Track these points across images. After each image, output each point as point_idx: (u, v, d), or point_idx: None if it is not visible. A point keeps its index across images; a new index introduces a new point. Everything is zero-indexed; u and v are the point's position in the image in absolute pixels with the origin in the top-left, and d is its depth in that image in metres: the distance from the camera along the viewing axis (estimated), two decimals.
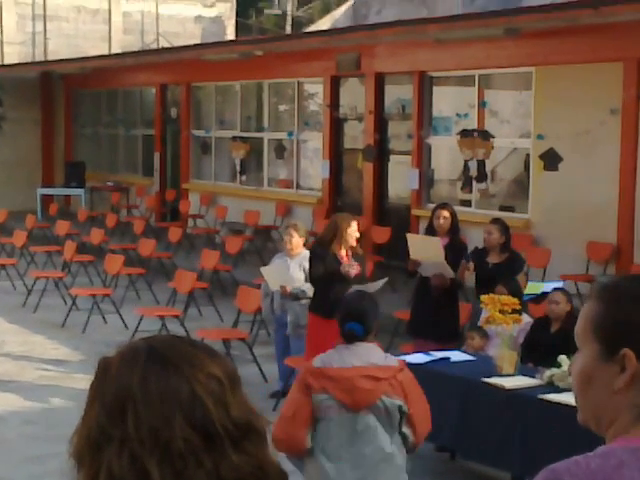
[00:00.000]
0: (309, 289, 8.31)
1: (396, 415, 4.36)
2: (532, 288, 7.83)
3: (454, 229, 8.18)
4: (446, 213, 8.17)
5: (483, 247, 8.29)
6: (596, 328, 1.43)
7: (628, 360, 1.41)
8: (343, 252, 7.71)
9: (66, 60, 21.23)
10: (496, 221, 8.28)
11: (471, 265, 8.03)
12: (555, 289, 7.47)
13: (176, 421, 1.35)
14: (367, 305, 4.58)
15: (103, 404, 1.39)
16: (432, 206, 13.73)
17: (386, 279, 8.03)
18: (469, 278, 8.24)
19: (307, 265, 8.34)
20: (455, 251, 8.03)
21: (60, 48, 23.74)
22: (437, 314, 7.57)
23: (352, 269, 7.56)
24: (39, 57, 23.73)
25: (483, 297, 6.61)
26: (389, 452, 4.37)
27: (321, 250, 7.73)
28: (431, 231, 8.23)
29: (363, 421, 4.33)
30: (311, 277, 7.85)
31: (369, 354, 4.40)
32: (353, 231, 7.70)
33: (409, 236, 8.10)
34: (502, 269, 7.90)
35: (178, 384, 1.38)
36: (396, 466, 4.41)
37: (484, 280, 7.84)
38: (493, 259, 8.10)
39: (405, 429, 4.41)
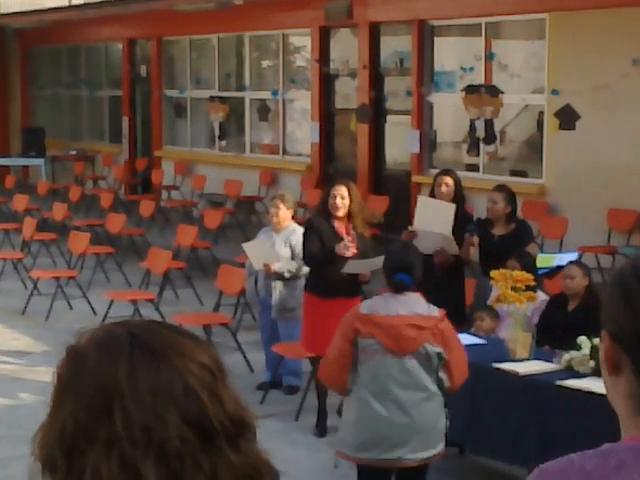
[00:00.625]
0: (297, 267, 8.32)
1: (435, 360, 5.27)
2: (544, 261, 7.86)
3: (458, 198, 8.17)
4: (449, 180, 8.16)
5: (487, 218, 8.31)
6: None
7: (603, 340, 1.44)
8: (340, 225, 7.67)
9: (20, 13, 21.09)
10: (500, 188, 8.29)
11: (475, 239, 8.04)
12: (570, 262, 7.50)
13: (170, 418, 1.35)
14: (413, 256, 5.50)
15: (81, 400, 1.37)
16: (435, 172, 13.83)
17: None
18: (474, 253, 8.26)
19: (295, 240, 8.34)
20: (460, 223, 8.00)
21: None
22: (441, 296, 7.58)
23: (347, 251, 7.54)
24: None
25: (493, 273, 6.63)
26: (432, 391, 5.32)
27: (318, 223, 7.71)
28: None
29: (407, 364, 5.25)
30: (305, 253, 7.82)
31: (413, 304, 5.30)
32: (333, 199, 7.64)
33: (421, 198, 8.07)
34: (509, 241, 7.92)
35: (170, 376, 1.38)
36: (438, 403, 5.37)
37: (490, 254, 7.86)
38: (499, 230, 8.12)
39: (442, 374, 5.31)
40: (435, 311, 5.34)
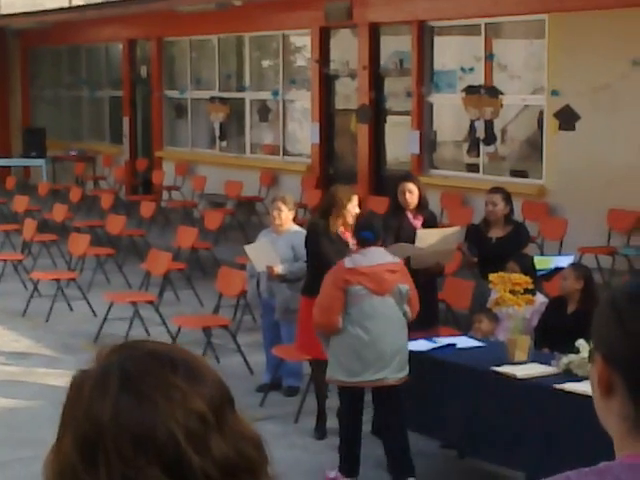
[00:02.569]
0: (300, 269, 8.30)
1: (405, 296, 6.63)
2: (541, 263, 7.86)
3: (423, 204, 8.07)
4: (411, 186, 7.99)
5: (481, 221, 8.33)
6: None
7: (596, 363, 1.44)
8: (342, 229, 7.67)
9: (21, 14, 21.09)
10: (497, 190, 8.29)
11: (474, 259, 8.14)
12: (571, 264, 7.50)
13: (151, 471, 1.32)
14: (375, 219, 7.12)
15: (75, 436, 1.36)
16: (436, 172, 13.88)
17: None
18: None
19: (298, 242, 8.32)
20: (432, 227, 8.10)
21: (14, 0, 23.56)
22: (425, 300, 7.59)
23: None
24: None
25: (492, 276, 6.63)
26: (403, 322, 6.66)
27: (325, 227, 7.67)
28: (397, 208, 8.06)
29: (387, 302, 6.57)
30: (314, 256, 7.73)
31: (383, 255, 6.66)
32: (353, 207, 7.64)
33: (420, 232, 7.82)
34: (507, 244, 7.93)
35: (154, 424, 1.34)
36: (406, 331, 6.72)
37: (487, 257, 7.87)
38: (496, 233, 8.12)
39: (405, 307, 6.65)
40: (397, 259, 6.74)
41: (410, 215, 8.01)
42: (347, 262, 6.60)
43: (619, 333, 1.39)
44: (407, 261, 7.42)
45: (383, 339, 6.53)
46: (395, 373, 6.57)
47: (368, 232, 6.64)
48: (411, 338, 7.01)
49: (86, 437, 1.35)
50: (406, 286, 6.62)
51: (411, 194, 7.94)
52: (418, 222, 8.02)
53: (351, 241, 7.55)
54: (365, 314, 6.53)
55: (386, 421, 6.75)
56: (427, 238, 7.80)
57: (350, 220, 7.55)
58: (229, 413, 1.39)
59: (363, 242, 6.63)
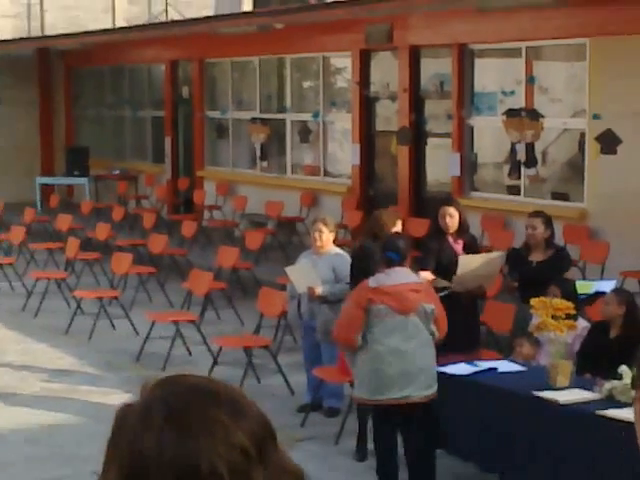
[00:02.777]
0: (341, 291, 8.35)
1: (430, 315, 6.72)
2: (583, 288, 7.85)
3: (464, 227, 8.15)
4: (452, 211, 8.07)
5: (523, 245, 8.33)
6: None
7: (639, 401, 1.46)
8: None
9: (65, 35, 21.35)
10: (538, 214, 8.29)
11: (515, 284, 8.15)
12: (613, 290, 7.48)
13: None
14: (401, 241, 6.98)
15: (120, 471, 1.38)
16: (476, 195, 13.87)
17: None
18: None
19: (338, 264, 8.37)
20: (473, 251, 8.10)
21: (58, 21, 23.88)
22: (466, 323, 7.65)
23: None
24: (35, 32, 23.88)
25: (533, 301, 6.64)
26: (429, 340, 6.75)
27: (373, 250, 7.74)
28: (437, 231, 8.15)
29: (411, 321, 6.66)
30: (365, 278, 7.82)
31: (407, 275, 6.79)
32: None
33: (461, 258, 7.85)
34: (547, 268, 7.92)
35: (197, 457, 1.35)
36: (433, 349, 6.80)
37: (528, 281, 7.87)
38: (537, 257, 8.11)
39: (432, 327, 6.74)
40: (422, 279, 7.03)
41: (451, 239, 8.04)
42: (371, 282, 6.75)
43: None
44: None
45: (406, 357, 6.65)
46: (420, 391, 6.66)
47: (393, 253, 6.79)
48: (452, 362, 7.03)
49: (131, 471, 1.37)
50: (431, 305, 6.73)
51: (452, 218, 7.98)
52: (459, 246, 8.05)
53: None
54: (387, 332, 6.67)
55: (410, 440, 6.83)
56: (469, 263, 7.81)
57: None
58: (271, 447, 1.41)
59: (388, 262, 6.79)
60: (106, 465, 1.42)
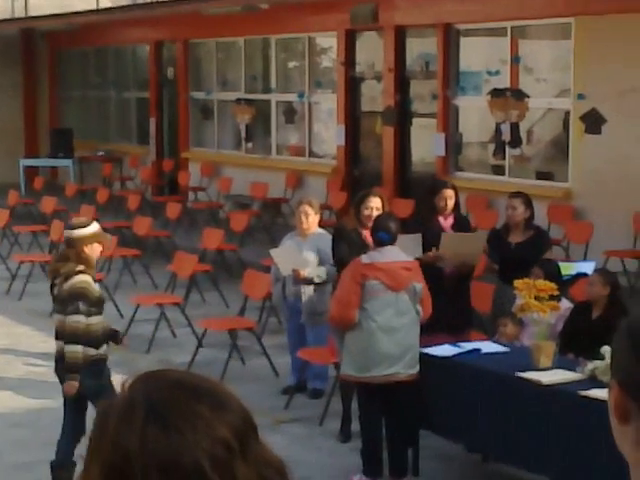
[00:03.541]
0: (325, 272, 8.35)
1: (419, 294, 6.85)
2: (565, 269, 7.85)
3: (458, 206, 8.21)
4: (452, 193, 8.05)
5: (502, 226, 8.33)
6: None
7: (612, 389, 1.45)
8: (367, 232, 7.71)
9: (49, 16, 21.22)
10: (517, 194, 8.29)
11: (495, 265, 8.14)
12: (596, 270, 7.48)
13: None
14: (391, 221, 7.00)
15: (103, 467, 1.38)
16: (461, 175, 13.85)
17: None
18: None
19: (323, 245, 8.37)
20: (464, 230, 8.10)
21: (42, 2, 23.71)
22: (452, 304, 7.63)
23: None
24: (19, 13, 23.70)
25: (517, 282, 6.63)
26: (416, 319, 6.89)
27: (346, 230, 7.85)
28: (427, 211, 8.12)
29: (402, 297, 6.80)
30: (336, 259, 7.87)
31: (398, 254, 6.90)
32: (366, 209, 7.71)
33: (444, 235, 7.85)
34: (527, 249, 7.91)
35: (180, 452, 1.36)
36: (418, 328, 6.93)
37: (507, 262, 7.86)
38: (516, 238, 8.10)
39: (418, 306, 6.88)
40: (411, 258, 7.03)
41: (441, 218, 8.03)
42: (364, 258, 6.86)
43: (634, 361, 1.41)
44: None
45: (396, 334, 6.75)
46: (406, 369, 6.78)
47: (384, 233, 6.87)
48: (437, 343, 7.03)
49: (113, 467, 1.37)
50: (420, 285, 6.85)
51: (450, 200, 8.01)
52: (448, 223, 8.03)
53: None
54: (380, 309, 6.75)
55: (394, 421, 6.90)
56: (451, 240, 7.82)
57: (367, 223, 7.63)
58: (253, 440, 1.41)
59: (379, 242, 6.88)
60: (88, 460, 1.41)
